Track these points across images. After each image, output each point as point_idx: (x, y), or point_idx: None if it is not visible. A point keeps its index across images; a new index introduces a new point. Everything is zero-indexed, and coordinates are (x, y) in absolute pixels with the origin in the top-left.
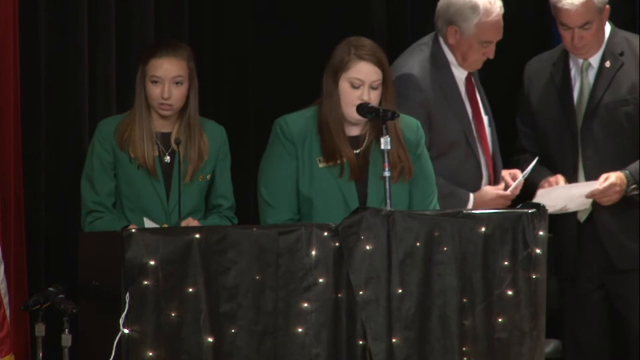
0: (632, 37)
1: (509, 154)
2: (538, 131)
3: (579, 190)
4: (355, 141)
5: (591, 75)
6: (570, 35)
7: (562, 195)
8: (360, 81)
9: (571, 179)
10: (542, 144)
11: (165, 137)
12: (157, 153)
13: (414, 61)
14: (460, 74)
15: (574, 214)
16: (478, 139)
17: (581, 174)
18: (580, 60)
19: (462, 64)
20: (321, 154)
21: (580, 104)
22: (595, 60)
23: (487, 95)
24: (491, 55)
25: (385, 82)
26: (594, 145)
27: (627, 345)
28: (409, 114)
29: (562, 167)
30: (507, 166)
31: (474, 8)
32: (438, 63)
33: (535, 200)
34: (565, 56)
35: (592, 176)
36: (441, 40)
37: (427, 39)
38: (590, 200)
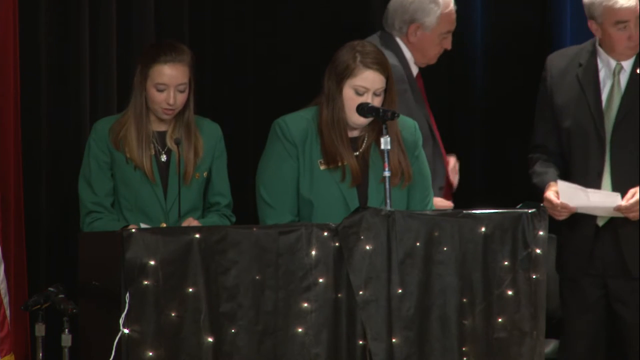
0: None
1: (524, 151)
2: (561, 131)
3: (599, 198)
4: (354, 143)
5: (623, 80)
6: (626, 34)
7: (582, 197)
8: (365, 89)
9: (595, 184)
10: (565, 144)
11: (162, 136)
12: (153, 152)
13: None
14: (414, 71)
15: (593, 217)
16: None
17: (607, 180)
18: (613, 63)
19: (420, 60)
20: (322, 157)
21: (610, 108)
22: (627, 64)
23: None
24: (449, 46)
25: (388, 87)
26: (622, 153)
27: (625, 347)
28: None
29: (585, 171)
30: (519, 163)
31: (435, 1)
32: (400, 60)
33: (559, 188)
34: (593, 57)
35: (618, 183)
36: (398, 39)
37: (374, 39)
38: (608, 212)
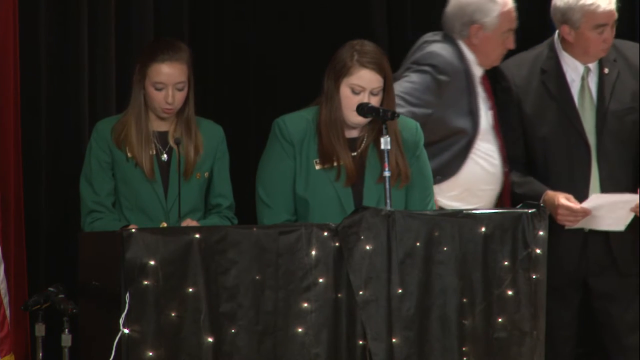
0: (618, 43)
1: None
2: (534, 140)
3: (619, 199)
4: (353, 143)
5: (592, 82)
6: (602, 37)
7: (605, 203)
8: (361, 88)
9: (583, 189)
10: (539, 153)
11: (163, 135)
12: (154, 152)
13: (441, 48)
14: (478, 72)
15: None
16: (495, 134)
17: (595, 184)
18: (581, 67)
19: (484, 62)
20: (318, 156)
21: (584, 111)
22: (593, 66)
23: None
24: (512, 45)
25: (386, 87)
26: (605, 155)
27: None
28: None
29: (570, 178)
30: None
31: (493, 0)
32: (462, 62)
33: (588, 203)
34: (557, 62)
35: (606, 187)
36: (460, 42)
37: (437, 37)
38: (629, 218)
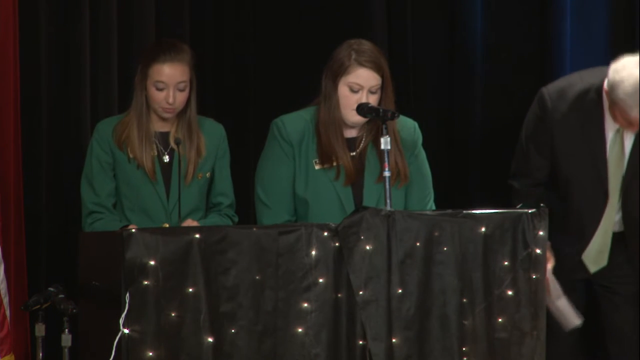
0: None
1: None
2: (559, 173)
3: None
4: (351, 143)
5: (628, 141)
6: (633, 128)
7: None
8: (359, 86)
9: (586, 239)
10: (562, 188)
11: (164, 136)
12: (155, 153)
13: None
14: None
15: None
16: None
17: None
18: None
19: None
20: (317, 156)
21: (612, 162)
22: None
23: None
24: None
25: (384, 86)
26: (626, 212)
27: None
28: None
29: (580, 224)
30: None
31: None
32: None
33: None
34: (598, 107)
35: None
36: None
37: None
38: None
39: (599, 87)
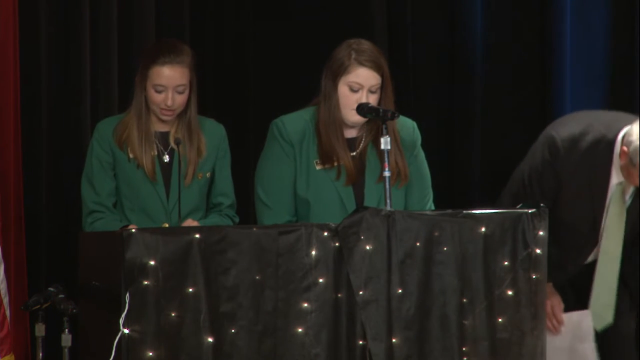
0: None
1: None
2: (555, 212)
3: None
4: (351, 143)
5: (628, 196)
6: None
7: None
8: (359, 85)
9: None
10: (563, 229)
11: (164, 136)
12: (156, 153)
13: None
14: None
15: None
16: None
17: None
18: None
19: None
20: (318, 156)
21: (610, 211)
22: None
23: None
24: None
25: (384, 86)
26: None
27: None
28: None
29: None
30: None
31: None
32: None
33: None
34: (608, 163)
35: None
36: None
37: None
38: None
39: (611, 141)
